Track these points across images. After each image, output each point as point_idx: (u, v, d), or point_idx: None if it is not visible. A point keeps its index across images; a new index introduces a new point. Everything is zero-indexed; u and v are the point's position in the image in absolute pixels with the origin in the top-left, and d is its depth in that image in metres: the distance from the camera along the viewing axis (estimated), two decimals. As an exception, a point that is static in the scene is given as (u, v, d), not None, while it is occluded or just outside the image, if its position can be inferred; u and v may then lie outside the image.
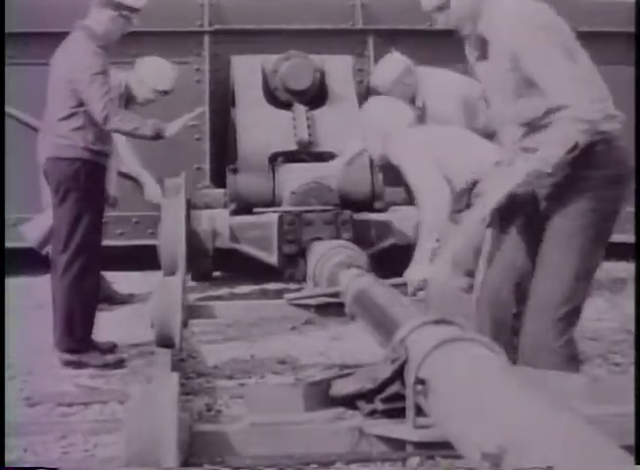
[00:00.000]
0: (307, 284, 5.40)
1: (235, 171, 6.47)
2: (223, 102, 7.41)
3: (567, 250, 3.28)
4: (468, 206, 4.83)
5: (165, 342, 4.53)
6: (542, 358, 3.28)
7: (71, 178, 4.95)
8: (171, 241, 5.82)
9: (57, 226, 5.07)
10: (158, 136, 5.14)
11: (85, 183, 4.96)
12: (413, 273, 4.96)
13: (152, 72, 6.20)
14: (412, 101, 6.29)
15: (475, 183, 4.84)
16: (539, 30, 3.23)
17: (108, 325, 5.54)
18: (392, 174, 6.06)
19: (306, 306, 4.76)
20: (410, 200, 6.34)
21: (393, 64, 6.41)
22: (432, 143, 5.24)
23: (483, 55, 3.36)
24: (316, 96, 6.94)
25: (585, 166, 3.22)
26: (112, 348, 5.21)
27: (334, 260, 4.95)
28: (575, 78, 3.20)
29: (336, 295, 4.42)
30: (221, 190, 6.71)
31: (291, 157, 6.56)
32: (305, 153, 6.57)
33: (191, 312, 4.85)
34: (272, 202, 6.29)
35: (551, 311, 3.31)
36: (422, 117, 6.20)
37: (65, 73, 4.95)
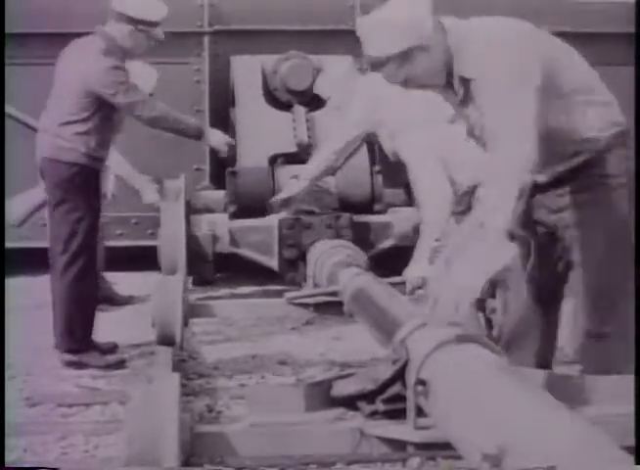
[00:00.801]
0: (307, 283, 5.44)
1: (234, 173, 6.47)
2: (223, 102, 7.41)
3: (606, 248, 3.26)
4: (469, 208, 4.83)
5: (166, 340, 4.56)
6: (594, 347, 3.27)
7: (68, 181, 4.93)
8: (171, 243, 5.81)
9: (55, 228, 5.06)
10: (198, 138, 5.30)
11: (82, 187, 4.95)
12: (412, 272, 4.96)
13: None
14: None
15: (475, 186, 4.85)
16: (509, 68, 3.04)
17: (108, 326, 5.54)
18: (392, 175, 6.06)
19: (306, 305, 4.80)
20: (410, 201, 6.34)
21: (331, 72, 6.21)
22: (437, 142, 5.22)
23: (466, 98, 3.15)
24: (316, 96, 6.94)
25: (600, 174, 3.19)
26: (112, 348, 5.21)
27: (333, 260, 5.03)
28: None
29: (335, 293, 4.48)
30: (221, 191, 6.70)
31: (291, 158, 6.56)
32: (305, 154, 6.56)
33: (191, 311, 4.88)
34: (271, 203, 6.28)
35: (607, 303, 3.30)
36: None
37: (80, 82, 4.88)
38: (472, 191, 4.87)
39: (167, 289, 4.71)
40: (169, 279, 4.98)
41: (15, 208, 5.68)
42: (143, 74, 6.02)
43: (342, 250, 5.33)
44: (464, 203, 4.82)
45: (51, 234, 5.10)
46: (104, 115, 4.94)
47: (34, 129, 6.39)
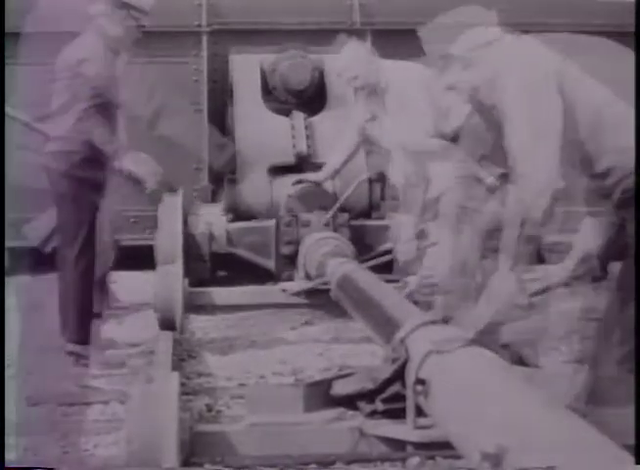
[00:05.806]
0: (298, 273, 5.68)
1: (233, 181, 6.47)
2: (222, 101, 7.41)
3: None
4: (436, 216, 4.92)
5: (168, 324, 4.82)
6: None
7: (69, 173, 4.97)
8: (168, 240, 5.80)
9: (63, 221, 5.09)
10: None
11: (84, 176, 4.98)
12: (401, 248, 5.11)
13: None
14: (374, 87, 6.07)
15: (439, 196, 4.93)
16: None
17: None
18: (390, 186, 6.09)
19: (298, 293, 5.45)
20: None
21: (354, 49, 6.18)
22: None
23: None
24: (315, 95, 6.95)
25: None
26: (112, 346, 5.23)
27: (322, 250, 5.42)
28: None
29: (326, 283, 5.00)
30: (218, 205, 6.70)
31: (289, 168, 6.54)
32: (304, 165, 6.55)
33: (191, 297, 5.21)
34: (270, 212, 6.28)
35: None
36: (382, 101, 6.02)
37: (69, 69, 4.96)
38: (436, 199, 4.96)
39: (168, 276, 5.00)
40: (169, 268, 5.17)
41: (34, 230, 5.69)
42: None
43: (330, 241, 5.59)
44: (432, 211, 4.90)
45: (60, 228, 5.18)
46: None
47: (34, 129, 6.41)
